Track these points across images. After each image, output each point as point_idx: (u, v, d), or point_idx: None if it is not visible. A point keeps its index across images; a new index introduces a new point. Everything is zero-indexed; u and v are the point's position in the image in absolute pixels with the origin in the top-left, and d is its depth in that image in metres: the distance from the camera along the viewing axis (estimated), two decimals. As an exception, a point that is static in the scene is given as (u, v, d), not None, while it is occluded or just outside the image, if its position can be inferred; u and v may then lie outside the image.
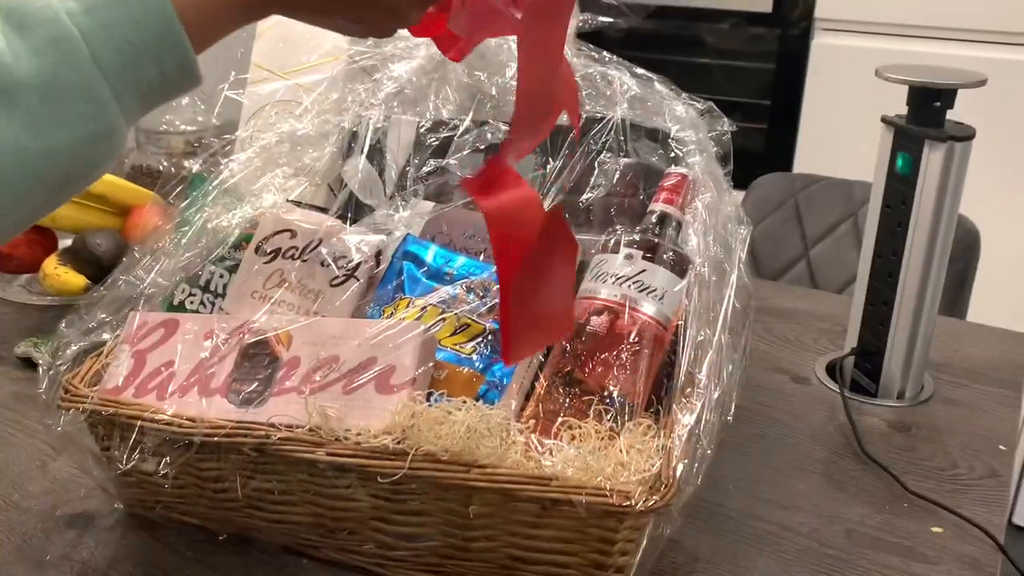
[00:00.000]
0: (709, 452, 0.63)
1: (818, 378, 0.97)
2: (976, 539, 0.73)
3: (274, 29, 0.88)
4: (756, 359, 1.01)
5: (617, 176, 0.76)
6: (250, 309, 0.74)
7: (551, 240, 0.57)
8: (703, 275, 0.70)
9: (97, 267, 1.03)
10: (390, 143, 0.83)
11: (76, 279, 1.04)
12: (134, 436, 0.66)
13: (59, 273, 1.04)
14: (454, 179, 0.80)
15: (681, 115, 0.77)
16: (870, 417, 0.91)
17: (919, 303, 0.90)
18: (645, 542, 0.61)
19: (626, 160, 0.76)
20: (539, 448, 0.62)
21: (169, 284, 0.76)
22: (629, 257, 0.72)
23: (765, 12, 2.00)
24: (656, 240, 0.72)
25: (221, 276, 0.77)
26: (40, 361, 0.73)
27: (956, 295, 1.27)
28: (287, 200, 0.78)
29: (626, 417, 0.65)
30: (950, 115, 0.87)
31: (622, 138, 0.76)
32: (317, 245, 0.75)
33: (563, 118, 0.64)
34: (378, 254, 0.75)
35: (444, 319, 0.69)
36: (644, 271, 0.71)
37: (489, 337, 0.69)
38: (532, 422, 0.65)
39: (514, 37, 0.57)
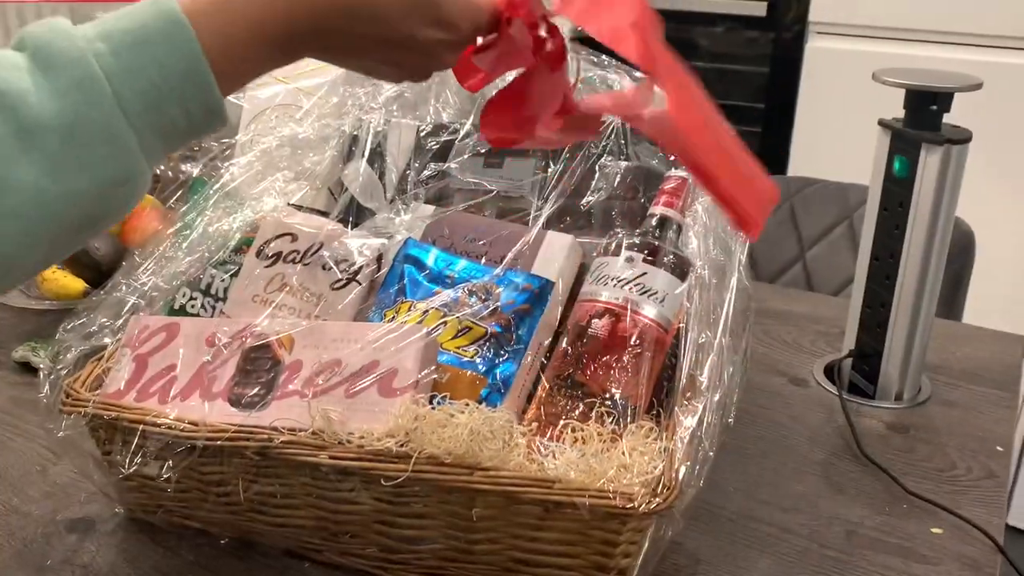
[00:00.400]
0: (711, 454, 0.63)
1: (816, 380, 0.98)
2: (975, 540, 0.74)
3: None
4: (755, 361, 1.01)
5: (618, 180, 0.76)
6: (252, 313, 0.74)
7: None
8: (704, 278, 0.71)
9: (95, 271, 1.03)
10: (390, 147, 0.83)
11: (74, 283, 1.03)
12: (136, 440, 0.66)
13: (57, 277, 1.04)
14: (455, 183, 0.80)
15: (680, 119, 0.77)
16: (868, 419, 0.91)
17: (916, 305, 0.91)
18: (647, 544, 0.61)
19: (626, 164, 0.77)
20: (542, 450, 0.62)
21: (170, 288, 0.76)
22: (630, 260, 0.72)
23: (759, 16, 2.01)
24: (657, 243, 0.73)
25: (222, 280, 0.77)
26: (40, 365, 0.73)
27: (952, 297, 1.28)
28: (288, 204, 0.78)
29: (628, 419, 0.65)
30: (946, 118, 0.88)
31: (622, 142, 0.76)
32: (318, 249, 0.75)
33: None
34: (379, 258, 0.75)
35: (446, 322, 0.69)
36: (645, 274, 0.71)
37: (491, 340, 0.69)
38: (534, 425, 0.65)
39: None
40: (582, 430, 0.63)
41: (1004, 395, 0.95)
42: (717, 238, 0.73)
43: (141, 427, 0.65)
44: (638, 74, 0.80)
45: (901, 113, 0.89)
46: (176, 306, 0.77)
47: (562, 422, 0.65)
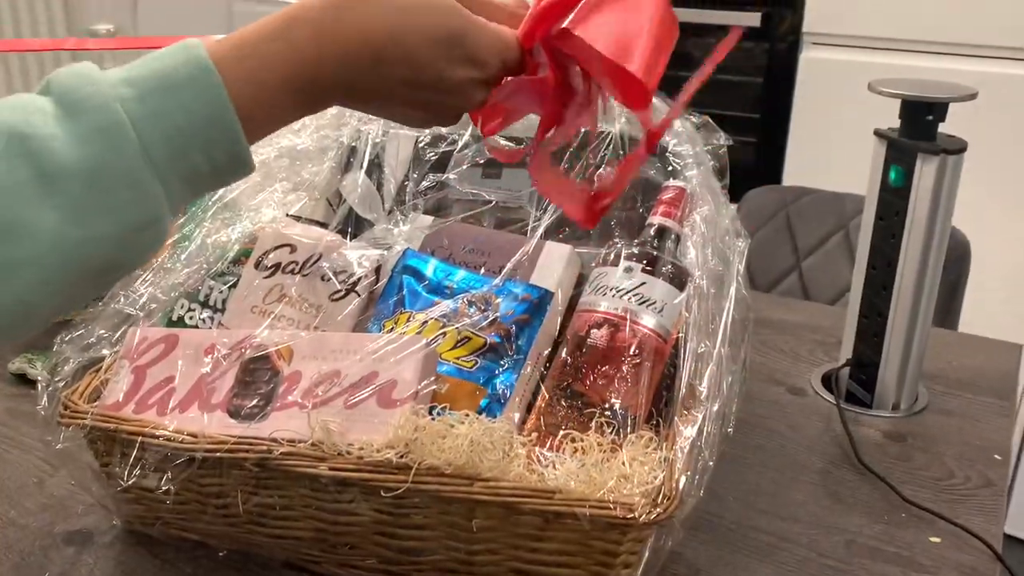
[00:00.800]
0: (710, 464, 0.63)
1: (814, 389, 0.98)
2: (974, 548, 0.74)
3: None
4: (752, 371, 1.01)
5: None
6: (250, 324, 0.74)
7: None
8: (702, 288, 0.71)
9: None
10: (388, 158, 0.84)
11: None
12: (135, 452, 0.66)
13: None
14: (454, 193, 0.80)
15: (678, 129, 0.78)
16: (866, 428, 0.91)
17: (913, 314, 0.91)
18: (647, 554, 0.61)
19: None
20: (542, 461, 0.62)
21: (168, 299, 0.76)
22: (629, 270, 0.72)
23: (754, 26, 2.02)
24: (655, 253, 0.73)
25: (221, 291, 0.77)
26: (37, 377, 0.73)
27: (948, 305, 1.29)
28: (287, 215, 0.78)
29: (628, 429, 0.65)
30: (941, 127, 0.88)
31: (620, 153, 0.76)
32: (317, 260, 0.75)
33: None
34: (378, 268, 0.75)
35: (445, 333, 0.69)
36: (644, 284, 0.71)
37: (490, 350, 0.69)
38: (534, 435, 0.65)
39: None
40: (582, 440, 0.63)
41: (1001, 403, 0.95)
42: (715, 248, 0.73)
43: (140, 439, 0.65)
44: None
45: (896, 123, 0.89)
46: (174, 317, 0.77)
47: (562, 432, 0.65)
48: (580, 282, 0.77)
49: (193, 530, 0.71)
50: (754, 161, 2.11)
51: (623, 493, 0.58)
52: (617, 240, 0.76)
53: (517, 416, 0.67)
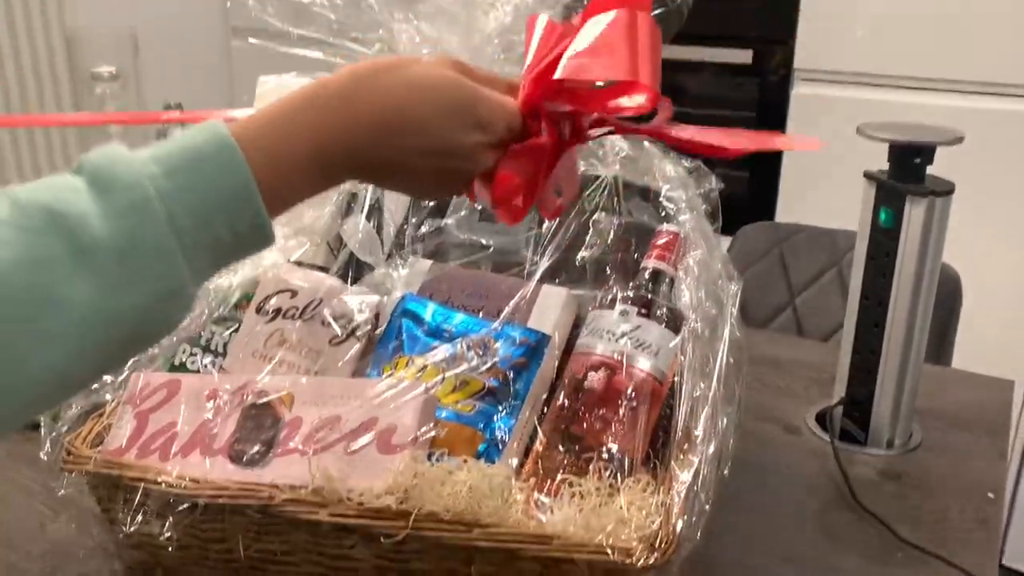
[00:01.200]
0: (707, 507, 0.64)
1: (808, 427, 0.99)
2: (969, 588, 0.74)
3: (273, 92, 0.90)
4: (747, 409, 1.02)
5: (611, 235, 0.78)
6: (251, 369, 0.75)
7: None
8: (697, 330, 0.72)
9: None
10: (388, 202, 0.85)
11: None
12: (138, 498, 0.66)
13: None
14: (451, 238, 0.82)
15: (670, 174, 0.79)
16: (861, 466, 0.92)
17: (905, 352, 0.92)
18: (645, 598, 0.61)
19: (618, 219, 0.79)
20: (540, 506, 0.63)
21: (170, 344, 0.77)
22: (624, 313, 0.73)
23: (745, 63, 2.05)
24: (650, 296, 0.74)
25: (222, 336, 0.78)
26: (41, 422, 0.73)
27: (940, 341, 1.30)
28: (288, 261, 0.80)
29: (625, 472, 0.66)
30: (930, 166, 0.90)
31: (615, 198, 0.78)
32: (318, 305, 0.76)
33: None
34: (377, 313, 0.76)
35: (443, 378, 0.70)
36: (639, 327, 0.72)
37: (488, 395, 0.70)
38: (532, 480, 0.66)
39: None
40: (580, 485, 0.64)
41: (994, 441, 0.96)
42: (709, 291, 0.74)
43: (143, 485, 0.66)
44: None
45: (886, 157, 0.91)
46: (176, 362, 0.78)
47: (560, 476, 0.66)
48: (577, 324, 0.78)
49: (194, 575, 0.72)
50: (747, 195, 2.13)
51: (621, 538, 0.59)
52: (612, 283, 0.77)
53: (515, 461, 0.68)
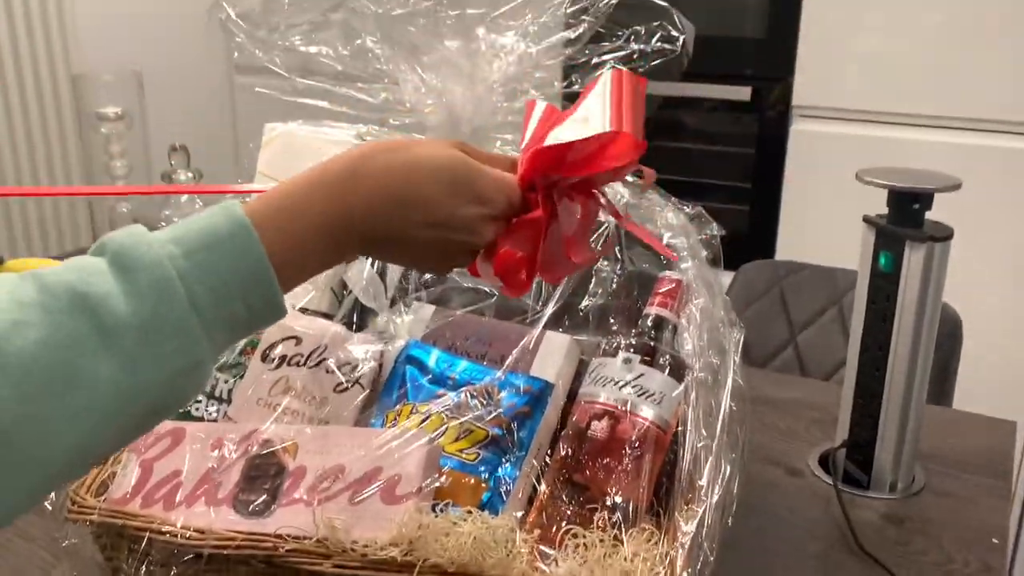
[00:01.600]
0: (711, 558, 0.64)
1: (811, 470, 0.99)
2: (974, 637, 0.74)
3: (279, 140, 0.91)
4: (750, 451, 1.01)
5: (614, 284, 0.78)
6: (256, 416, 0.75)
7: None
8: (700, 378, 0.72)
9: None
10: (391, 248, 0.86)
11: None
12: (142, 547, 0.66)
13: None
14: (454, 285, 0.82)
15: (672, 222, 0.80)
16: (864, 510, 0.92)
17: (907, 396, 0.93)
18: (651, 650, 0.61)
19: (621, 267, 0.79)
20: (544, 557, 0.63)
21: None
22: (628, 361, 0.74)
23: (744, 100, 2.08)
24: (653, 344, 0.75)
25: (227, 382, 0.79)
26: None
27: (941, 381, 1.30)
28: (294, 307, 0.80)
29: (629, 522, 0.66)
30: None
31: (617, 247, 0.79)
32: (322, 352, 0.77)
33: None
34: (381, 361, 0.77)
35: (447, 427, 0.70)
36: (643, 375, 0.73)
37: (492, 443, 0.70)
38: (536, 531, 0.66)
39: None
40: (584, 535, 0.64)
41: (997, 484, 0.96)
42: (712, 339, 0.75)
43: (147, 535, 0.66)
44: (630, 178, 0.84)
45: (884, 195, 0.92)
46: (181, 410, 0.78)
47: (564, 526, 0.66)
48: (580, 371, 0.79)
49: (197, 624, 0.72)
50: (747, 229, 2.15)
51: (625, 591, 0.59)
52: (615, 331, 0.78)
53: (519, 511, 0.68)
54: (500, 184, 0.57)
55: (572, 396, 0.76)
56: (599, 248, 0.65)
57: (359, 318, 0.84)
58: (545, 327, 0.78)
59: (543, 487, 0.70)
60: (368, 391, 0.76)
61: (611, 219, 0.82)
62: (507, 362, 0.75)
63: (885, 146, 1.91)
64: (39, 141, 2.05)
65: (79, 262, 0.46)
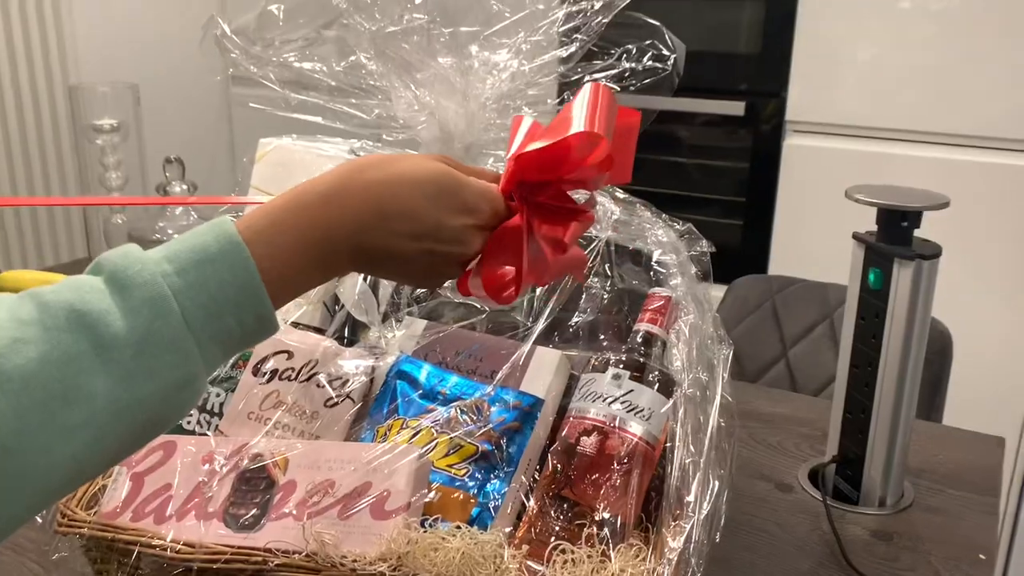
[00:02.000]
0: (699, 573, 0.64)
1: (801, 485, 0.99)
2: (961, 654, 0.74)
3: (273, 154, 0.92)
4: (741, 466, 1.03)
5: (604, 301, 0.79)
6: (247, 430, 0.75)
7: None
8: (688, 395, 0.73)
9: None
10: (384, 263, 0.86)
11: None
12: (132, 561, 0.66)
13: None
14: (446, 300, 0.83)
15: (662, 239, 0.81)
16: (853, 526, 0.92)
17: (896, 412, 0.93)
18: (638, 666, 0.62)
19: (610, 284, 0.80)
20: (533, 573, 0.63)
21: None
22: (617, 377, 0.74)
23: (738, 115, 2.09)
24: (642, 360, 0.75)
25: (218, 395, 0.79)
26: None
27: (931, 396, 1.31)
28: (286, 322, 0.81)
29: (618, 537, 0.66)
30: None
31: (607, 264, 0.79)
32: (314, 367, 0.77)
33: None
34: (372, 377, 0.77)
35: (437, 442, 0.71)
36: (632, 391, 0.73)
37: (481, 458, 0.71)
38: (525, 546, 0.66)
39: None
40: (572, 551, 0.64)
41: (986, 500, 0.97)
42: (701, 356, 0.75)
43: (137, 548, 0.66)
44: (620, 195, 0.84)
45: (875, 212, 0.92)
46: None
47: (552, 542, 0.66)
48: (570, 386, 0.79)
49: (186, 638, 0.72)
50: (741, 243, 2.16)
51: (612, 607, 0.59)
52: (605, 345, 0.78)
53: (508, 526, 0.68)
54: (484, 194, 0.58)
55: (562, 411, 0.77)
56: (584, 254, 0.65)
57: (351, 333, 0.84)
58: (536, 342, 0.78)
59: (532, 502, 0.70)
60: (359, 406, 0.77)
61: (603, 235, 0.83)
62: (497, 377, 0.75)
63: (878, 161, 1.92)
64: (35, 151, 2.05)
65: (76, 281, 0.46)
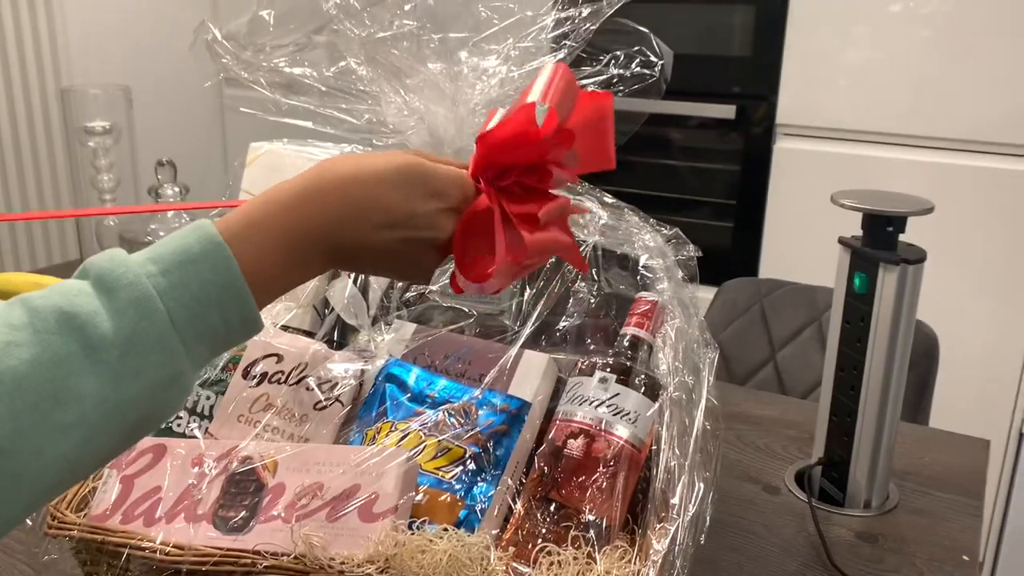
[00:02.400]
0: (684, 574, 0.65)
1: (788, 487, 1.00)
2: (943, 654, 0.75)
3: (264, 158, 0.92)
4: (728, 468, 1.04)
5: (591, 305, 0.80)
6: (237, 432, 0.76)
7: None
8: (674, 398, 0.74)
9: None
10: (374, 266, 0.87)
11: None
12: (121, 563, 0.67)
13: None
14: (435, 304, 0.84)
15: (649, 244, 0.82)
16: (838, 527, 0.93)
17: (881, 415, 0.94)
18: (623, 667, 0.62)
19: (597, 288, 0.81)
20: (519, 575, 0.64)
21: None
22: (604, 381, 0.75)
23: (729, 118, 2.10)
24: (629, 364, 0.76)
25: (208, 398, 0.79)
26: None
27: (918, 399, 1.32)
28: (278, 326, 0.81)
29: (603, 539, 0.67)
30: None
31: (594, 269, 0.80)
32: (303, 370, 0.78)
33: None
34: (361, 380, 0.78)
35: (425, 444, 0.71)
36: (618, 395, 0.74)
37: (469, 461, 0.71)
38: (511, 549, 0.67)
39: None
40: (559, 554, 0.65)
41: (970, 502, 0.98)
42: (686, 359, 0.76)
43: (127, 551, 0.67)
44: (609, 200, 0.85)
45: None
46: (162, 425, 0.79)
47: (539, 544, 0.67)
48: (557, 389, 0.80)
49: (175, 640, 0.72)
50: (731, 245, 2.17)
51: (597, 608, 0.60)
52: (592, 347, 0.79)
53: (495, 528, 0.69)
54: (453, 178, 0.59)
55: (549, 415, 0.77)
56: (565, 235, 0.65)
57: (340, 336, 0.85)
58: (523, 346, 0.79)
59: (519, 505, 0.71)
60: (348, 408, 0.77)
61: (590, 239, 0.83)
62: (485, 380, 0.76)
63: (867, 165, 1.94)
64: (27, 154, 2.05)
65: (64, 286, 0.47)
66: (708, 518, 0.71)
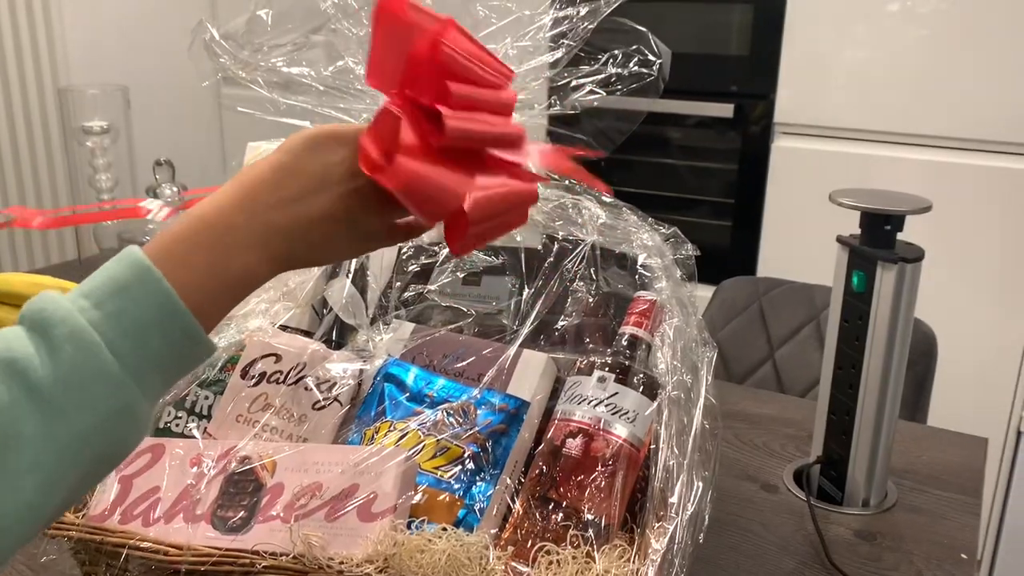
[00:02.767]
0: (683, 573, 0.65)
1: (786, 486, 1.00)
2: (941, 652, 0.75)
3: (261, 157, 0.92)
4: (727, 467, 1.04)
5: (590, 305, 0.80)
6: (236, 432, 0.76)
7: None
8: (673, 397, 0.74)
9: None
10: (372, 266, 0.87)
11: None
12: (120, 563, 0.67)
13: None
14: (434, 304, 0.84)
15: (647, 243, 0.82)
16: (836, 526, 0.93)
17: (879, 414, 0.94)
18: (621, 666, 0.62)
19: (596, 287, 0.81)
20: (518, 574, 0.64)
21: (156, 408, 0.78)
22: (602, 380, 0.75)
23: (727, 117, 2.10)
24: (627, 363, 0.76)
25: (207, 398, 0.79)
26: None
27: (917, 398, 1.32)
28: (276, 326, 0.81)
29: (602, 538, 0.67)
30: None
31: (592, 268, 0.80)
32: (302, 370, 0.78)
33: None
34: (360, 380, 0.78)
35: (424, 444, 0.72)
36: (616, 394, 0.74)
37: (468, 460, 0.71)
38: (510, 548, 0.67)
39: None
40: (557, 552, 0.65)
41: (968, 500, 0.98)
42: (685, 358, 0.76)
43: (125, 551, 0.67)
44: (607, 199, 0.85)
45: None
46: (161, 425, 0.79)
47: (538, 543, 0.67)
48: (556, 388, 0.80)
49: (174, 640, 0.72)
50: (730, 244, 2.17)
51: (596, 607, 0.60)
52: (590, 349, 0.79)
53: (494, 527, 0.69)
54: (343, 126, 0.56)
55: (548, 414, 0.77)
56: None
57: (339, 336, 0.85)
58: (522, 345, 0.79)
59: (518, 504, 0.71)
60: (347, 408, 0.77)
61: (588, 238, 0.84)
62: (484, 380, 0.76)
63: (865, 163, 1.94)
64: (25, 153, 2.05)
65: (3, 333, 0.47)
66: (707, 517, 0.71)
